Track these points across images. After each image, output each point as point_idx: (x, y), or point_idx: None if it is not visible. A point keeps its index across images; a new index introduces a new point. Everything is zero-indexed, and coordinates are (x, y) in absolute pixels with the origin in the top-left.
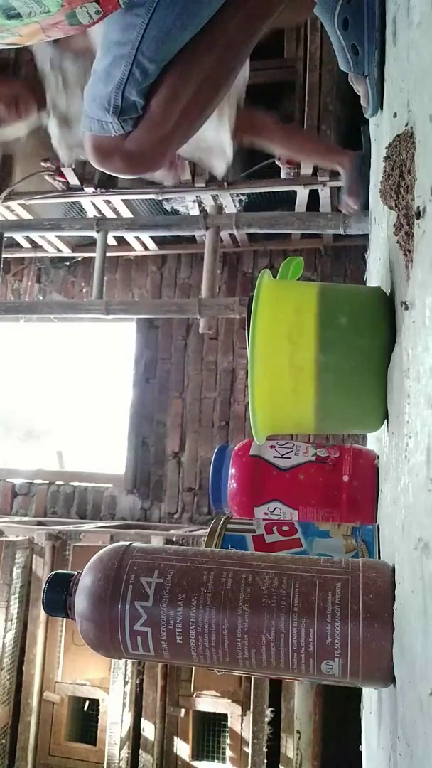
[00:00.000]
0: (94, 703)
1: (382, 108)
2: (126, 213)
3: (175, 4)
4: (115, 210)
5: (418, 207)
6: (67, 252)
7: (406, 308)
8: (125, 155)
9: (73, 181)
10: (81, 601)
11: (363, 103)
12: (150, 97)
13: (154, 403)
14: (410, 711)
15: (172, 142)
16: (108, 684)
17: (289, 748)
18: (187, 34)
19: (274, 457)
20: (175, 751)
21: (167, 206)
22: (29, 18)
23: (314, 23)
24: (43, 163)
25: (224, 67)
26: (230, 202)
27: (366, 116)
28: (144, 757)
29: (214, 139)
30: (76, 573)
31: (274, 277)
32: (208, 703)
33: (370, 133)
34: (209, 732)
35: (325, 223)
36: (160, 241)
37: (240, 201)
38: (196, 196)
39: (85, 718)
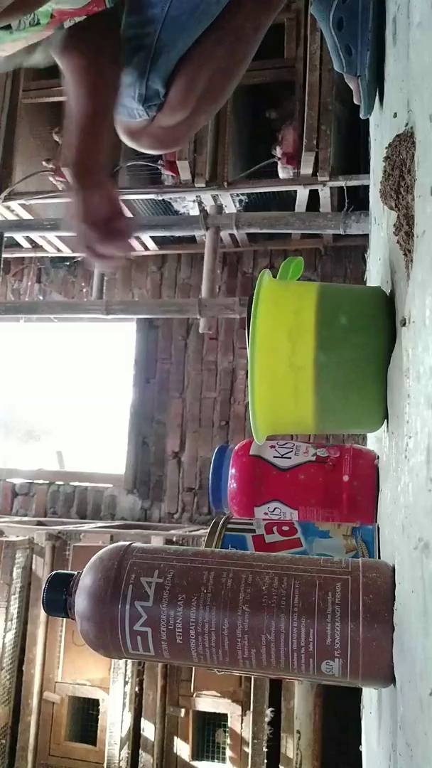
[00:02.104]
0: (94, 704)
1: (382, 107)
2: (126, 213)
3: (187, 2)
4: None
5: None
6: (67, 252)
7: (404, 324)
8: (152, 136)
9: None
10: (81, 601)
11: (356, 101)
12: (169, 85)
13: (154, 403)
14: (410, 711)
15: (192, 125)
16: (108, 684)
17: (289, 748)
18: (201, 28)
19: (274, 457)
20: (175, 751)
21: (175, 205)
22: (18, 32)
23: (314, 23)
24: (44, 163)
25: (234, 58)
26: (230, 202)
27: (360, 116)
28: (144, 757)
29: None
30: (76, 573)
31: (274, 277)
32: (208, 703)
33: None
34: (209, 732)
35: (325, 223)
36: (160, 241)
37: (240, 201)
38: (196, 196)
39: (85, 718)
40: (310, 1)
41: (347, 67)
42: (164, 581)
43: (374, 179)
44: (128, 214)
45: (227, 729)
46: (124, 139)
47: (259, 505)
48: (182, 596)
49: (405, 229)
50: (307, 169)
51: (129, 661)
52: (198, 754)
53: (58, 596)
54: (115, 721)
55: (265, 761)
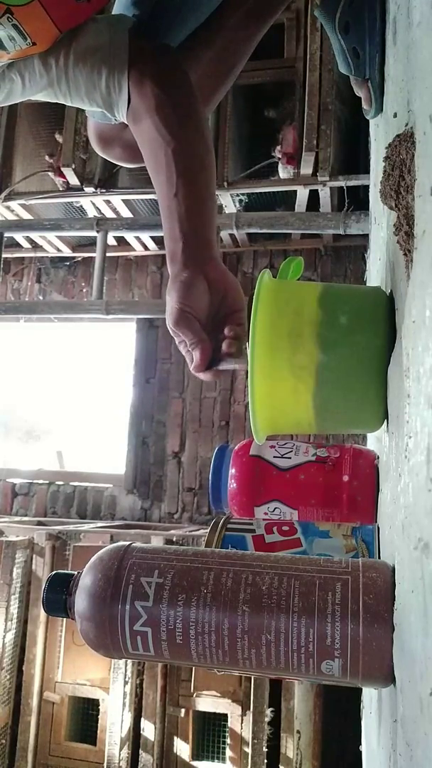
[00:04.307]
0: (94, 704)
1: (382, 107)
2: (126, 213)
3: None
4: (115, 210)
5: None
6: (67, 252)
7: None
8: (125, 144)
9: (73, 181)
10: (81, 601)
11: (365, 106)
12: None
13: (154, 403)
14: (410, 711)
15: None
16: (108, 684)
17: (289, 748)
18: (188, 29)
19: (274, 457)
20: (175, 751)
21: None
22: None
23: (314, 23)
24: (47, 158)
25: (223, 65)
26: (230, 202)
27: (367, 117)
28: (144, 757)
29: None
30: (76, 573)
31: (274, 277)
32: (208, 703)
33: None
34: (209, 732)
35: (325, 223)
36: (160, 241)
37: (240, 201)
38: None
39: (85, 718)
40: (314, 5)
41: (356, 70)
42: (164, 581)
43: (374, 179)
44: (128, 213)
45: (227, 729)
46: (95, 145)
47: (259, 505)
48: (182, 596)
49: (405, 229)
50: (307, 169)
51: (129, 661)
52: (198, 754)
53: (58, 596)
54: (115, 721)
55: (265, 761)
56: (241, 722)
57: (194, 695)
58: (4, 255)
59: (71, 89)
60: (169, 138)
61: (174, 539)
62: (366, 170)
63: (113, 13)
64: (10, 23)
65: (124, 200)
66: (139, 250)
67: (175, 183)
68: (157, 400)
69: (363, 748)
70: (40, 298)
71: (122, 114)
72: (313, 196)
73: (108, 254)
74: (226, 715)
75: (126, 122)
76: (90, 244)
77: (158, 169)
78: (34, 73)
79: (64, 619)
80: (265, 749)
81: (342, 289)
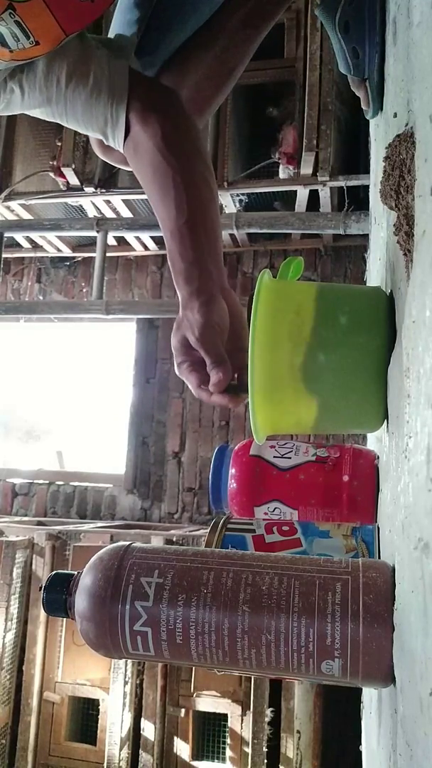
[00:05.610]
0: (94, 704)
1: (382, 110)
2: (126, 213)
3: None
4: (115, 210)
5: None
6: (67, 252)
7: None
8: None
9: (73, 181)
10: (81, 601)
11: (363, 106)
12: None
13: (154, 403)
14: (410, 711)
15: None
16: (108, 684)
17: (289, 748)
18: (189, 30)
19: (274, 457)
20: (175, 751)
21: None
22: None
23: (314, 23)
24: (51, 162)
25: (223, 66)
26: (230, 202)
27: (366, 117)
28: (144, 757)
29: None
30: (76, 573)
31: (274, 277)
32: (208, 703)
33: None
34: (209, 732)
35: (325, 223)
36: (160, 241)
37: (240, 201)
38: None
39: (85, 718)
40: (314, 4)
41: (354, 69)
42: (164, 581)
43: (374, 179)
44: (128, 213)
45: (227, 729)
46: (95, 149)
47: (259, 505)
48: (182, 596)
49: (405, 229)
50: (307, 169)
51: (129, 661)
52: (198, 754)
53: (58, 596)
54: (115, 721)
55: (265, 761)
56: (241, 722)
57: (194, 695)
58: (4, 255)
59: (68, 111)
60: (176, 166)
61: (174, 539)
62: (366, 170)
63: (115, 12)
64: (12, 19)
65: (124, 200)
66: (139, 250)
67: (186, 210)
68: (157, 400)
69: (363, 748)
70: (40, 298)
71: (118, 144)
72: (313, 196)
73: (108, 254)
74: (226, 715)
75: (121, 151)
76: (90, 244)
77: (164, 196)
78: (34, 87)
79: (64, 619)
80: (265, 749)
81: (342, 289)
